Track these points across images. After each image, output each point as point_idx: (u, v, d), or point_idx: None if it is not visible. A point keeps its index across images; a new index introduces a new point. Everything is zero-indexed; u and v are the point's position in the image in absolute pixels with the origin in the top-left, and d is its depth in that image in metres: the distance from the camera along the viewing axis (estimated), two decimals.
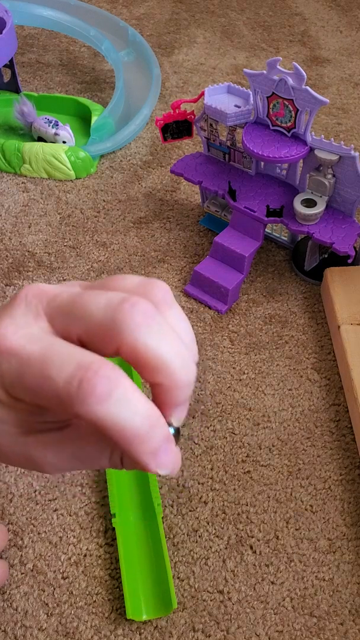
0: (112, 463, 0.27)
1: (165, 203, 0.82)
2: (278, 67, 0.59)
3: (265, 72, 0.60)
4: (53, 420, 0.26)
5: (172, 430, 0.26)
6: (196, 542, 0.53)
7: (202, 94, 0.67)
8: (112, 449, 0.26)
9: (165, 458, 0.24)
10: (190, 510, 0.55)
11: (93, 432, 0.26)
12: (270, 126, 0.64)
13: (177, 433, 0.27)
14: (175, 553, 0.52)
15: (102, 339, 0.24)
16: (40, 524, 0.54)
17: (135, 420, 0.23)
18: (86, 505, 0.55)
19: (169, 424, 0.26)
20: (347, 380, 0.61)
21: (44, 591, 0.50)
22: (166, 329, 0.24)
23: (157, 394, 0.25)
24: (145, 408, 0.23)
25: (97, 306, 0.24)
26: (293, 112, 0.61)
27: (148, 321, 0.23)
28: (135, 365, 0.24)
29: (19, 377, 0.23)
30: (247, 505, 0.55)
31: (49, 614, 0.49)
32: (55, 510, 0.54)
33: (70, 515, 0.54)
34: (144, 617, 0.48)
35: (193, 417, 0.61)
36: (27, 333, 0.24)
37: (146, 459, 0.23)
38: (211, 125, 0.70)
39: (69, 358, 0.23)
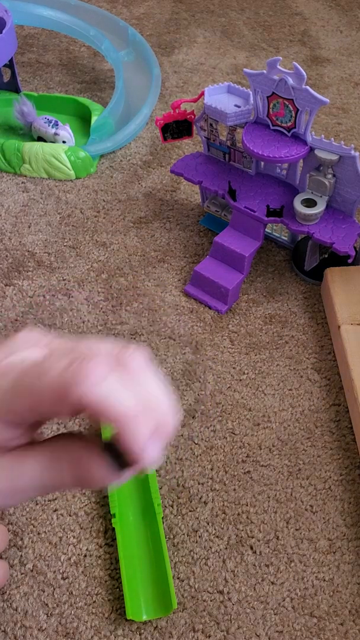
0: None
1: (165, 203, 0.82)
2: (278, 66, 0.59)
3: (265, 71, 0.60)
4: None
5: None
6: (196, 542, 0.53)
7: (202, 93, 0.67)
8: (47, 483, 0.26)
9: (156, 446, 0.25)
10: (190, 511, 0.55)
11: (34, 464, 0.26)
12: (271, 126, 0.64)
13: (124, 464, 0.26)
14: (175, 553, 0.52)
15: None
16: (40, 524, 0.54)
17: (131, 403, 0.24)
18: (86, 505, 0.55)
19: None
20: (347, 380, 0.61)
21: (43, 591, 0.50)
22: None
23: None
24: (134, 395, 0.24)
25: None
26: (293, 112, 0.61)
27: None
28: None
29: (12, 388, 0.25)
30: (247, 505, 0.55)
31: (49, 614, 0.49)
32: (55, 510, 0.54)
33: (70, 515, 0.54)
34: (144, 618, 0.48)
35: (193, 417, 0.61)
36: (19, 355, 0.26)
37: (142, 444, 0.24)
38: (211, 125, 0.70)
39: (62, 356, 0.24)
